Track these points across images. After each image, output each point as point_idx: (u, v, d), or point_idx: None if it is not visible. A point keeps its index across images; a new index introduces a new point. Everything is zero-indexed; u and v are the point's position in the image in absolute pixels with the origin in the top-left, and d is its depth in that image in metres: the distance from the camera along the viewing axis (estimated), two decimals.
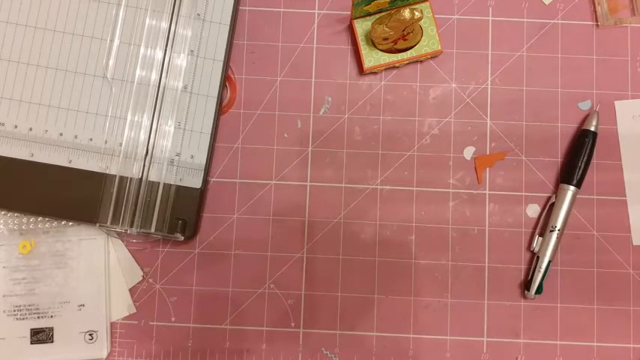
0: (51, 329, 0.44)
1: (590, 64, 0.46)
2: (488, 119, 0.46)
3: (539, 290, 0.43)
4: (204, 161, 0.44)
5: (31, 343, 0.43)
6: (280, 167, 0.45)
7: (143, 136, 0.43)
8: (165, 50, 0.43)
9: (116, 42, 0.44)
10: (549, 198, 0.45)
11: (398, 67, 0.46)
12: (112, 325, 0.44)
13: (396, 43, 0.44)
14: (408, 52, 0.45)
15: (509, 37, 0.46)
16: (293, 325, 0.44)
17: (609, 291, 0.44)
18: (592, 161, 0.44)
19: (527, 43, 0.46)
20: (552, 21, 0.46)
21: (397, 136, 0.46)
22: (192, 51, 0.44)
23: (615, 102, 0.46)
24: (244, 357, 0.44)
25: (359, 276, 0.45)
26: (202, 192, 0.44)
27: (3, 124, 0.43)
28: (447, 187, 0.45)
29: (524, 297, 0.44)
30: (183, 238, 0.43)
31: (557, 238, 0.44)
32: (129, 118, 0.43)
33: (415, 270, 0.45)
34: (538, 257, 0.44)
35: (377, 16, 0.44)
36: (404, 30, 0.42)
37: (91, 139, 0.43)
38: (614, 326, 0.44)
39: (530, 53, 0.46)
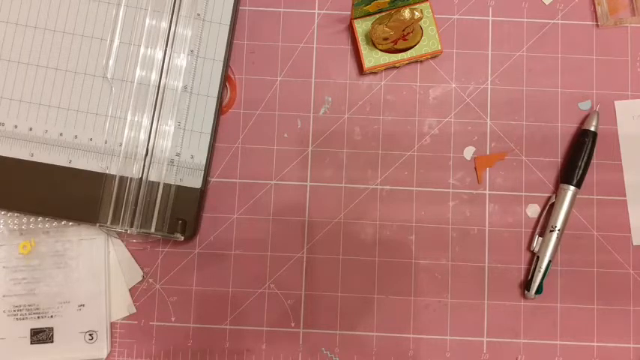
0: (51, 329, 0.44)
1: (590, 64, 0.46)
2: (488, 119, 0.46)
3: (539, 290, 0.43)
4: (204, 161, 0.44)
5: (31, 343, 0.43)
6: (280, 167, 0.45)
7: (143, 136, 0.43)
8: (165, 50, 0.43)
9: (116, 42, 0.44)
10: (549, 198, 0.45)
11: (398, 67, 0.46)
12: (112, 325, 0.44)
13: (396, 43, 0.44)
14: (408, 52, 0.45)
15: (509, 37, 0.46)
16: (293, 325, 0.44)
17: (609, 291, 0.44)
18: (592, 161, 0.44)
19: (527, 43, 0.46)
20: (552, 21, 0.46)
21: (397, 136, 0.45)
22: (192, 51, 0.44)
23: (615, 102, 0.46)
24: (244, 357, 0.44)
25: (359, 276, 0.45)
26: (202, 192, 0.44)
27: (3, 124, 0.43)
28: (447, 187, 0.45)
29: (524, 297, 0.44)
30: (183, 238, 0.43)
31: (557, 238, 0.44)
32: (129, 118, 0.43)
33: (415, 270, 0.45)
34: (538, 257, 0.44)
35: (377, 16, 0.44)
36: (404, 30, 0.42)
37: (91, 139, 0.43)
38: (614, 326, 0.44)
39: (530, 53, 0.46)
